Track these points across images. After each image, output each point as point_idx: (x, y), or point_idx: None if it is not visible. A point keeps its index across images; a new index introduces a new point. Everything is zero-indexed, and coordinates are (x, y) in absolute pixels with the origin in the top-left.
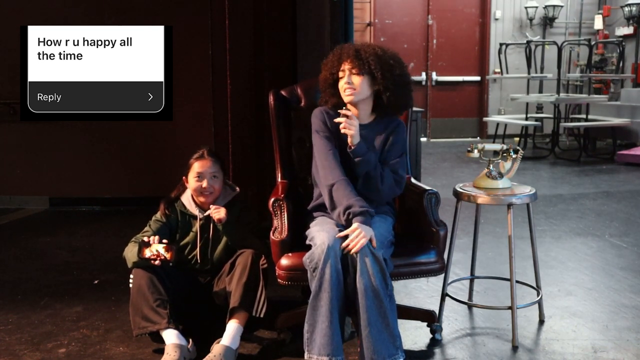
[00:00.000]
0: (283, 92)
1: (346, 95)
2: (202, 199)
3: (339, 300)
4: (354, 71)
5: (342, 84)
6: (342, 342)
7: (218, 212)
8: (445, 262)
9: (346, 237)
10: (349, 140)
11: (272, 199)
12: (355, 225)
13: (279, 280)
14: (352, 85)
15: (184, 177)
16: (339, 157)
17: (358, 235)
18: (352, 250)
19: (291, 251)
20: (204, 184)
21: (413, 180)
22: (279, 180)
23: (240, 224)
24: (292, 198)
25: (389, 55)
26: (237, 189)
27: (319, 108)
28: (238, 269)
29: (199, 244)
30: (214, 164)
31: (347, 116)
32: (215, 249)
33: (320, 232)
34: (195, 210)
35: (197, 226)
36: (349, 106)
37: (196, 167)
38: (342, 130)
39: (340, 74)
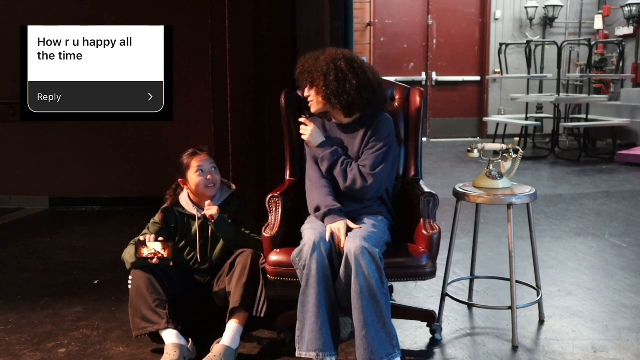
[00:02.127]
0: (299, 92)
1: (309, 107)
2: (207, 193)
3: (326, 296)
4: (307, 85)
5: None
6: (334, 339)
7: (210, 209)
8: (441, 266)
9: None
10: (309, 143)
11: (269, 196)
12: (327, 228)
13: (268, 275)
14: (309, 97)
15: (180, 180)
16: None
17: (336, 233)
18: (341, 245)
19: (281, 247)
20: (208, 176)
21: (421, 183)
22: (287, 177)
23: (237, 222)
24: (293, 196)
25: (328, 58)
26: (233, 186)
27: (313, 119)
28: (238, 269)
29: (198, 244)
30: (209, 157)
31: (303, 123)
32: (215, 248)
33: (308, 231)
34: (193, 210)
35: (196, 226)
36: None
37: (195, 162)
38: (302, 137)
39: None
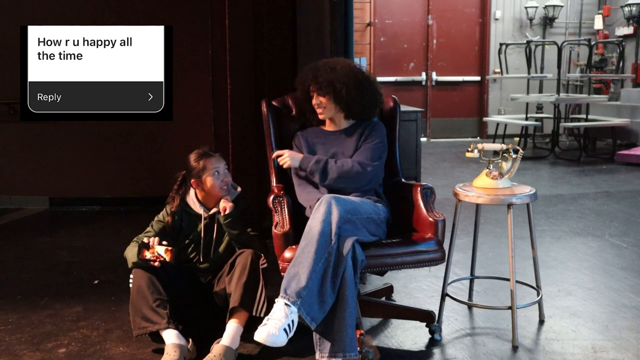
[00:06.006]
0: (274, 103)
1: (319, 114)
2: (221, 194)
3: (355, 299)
4: (318, 92)
5: (313, 104)
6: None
7: (226, 204)
8: (441, 266)
9: None
10: (292, 166)
11: (272, 196)
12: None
13: (282, 273)
14: (320, 105)
15: (193, 181)
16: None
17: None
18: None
19: (294, 244)
20: (224, 178)
21: (404, 180)
22: (274, 184)
23: (242, 222)
24: (292, 197)
25: (346, 69)
26: (239, 188)
27: (298, 133)
28: (237, 269)
29: (202, 243)
30: (221, 157)
31: (278, 156)
32: (218, 248)
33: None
34: (200, 210)
35: (201, 225)
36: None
37: (210, 164)
38: (283, 166)
39: (311, 94)
